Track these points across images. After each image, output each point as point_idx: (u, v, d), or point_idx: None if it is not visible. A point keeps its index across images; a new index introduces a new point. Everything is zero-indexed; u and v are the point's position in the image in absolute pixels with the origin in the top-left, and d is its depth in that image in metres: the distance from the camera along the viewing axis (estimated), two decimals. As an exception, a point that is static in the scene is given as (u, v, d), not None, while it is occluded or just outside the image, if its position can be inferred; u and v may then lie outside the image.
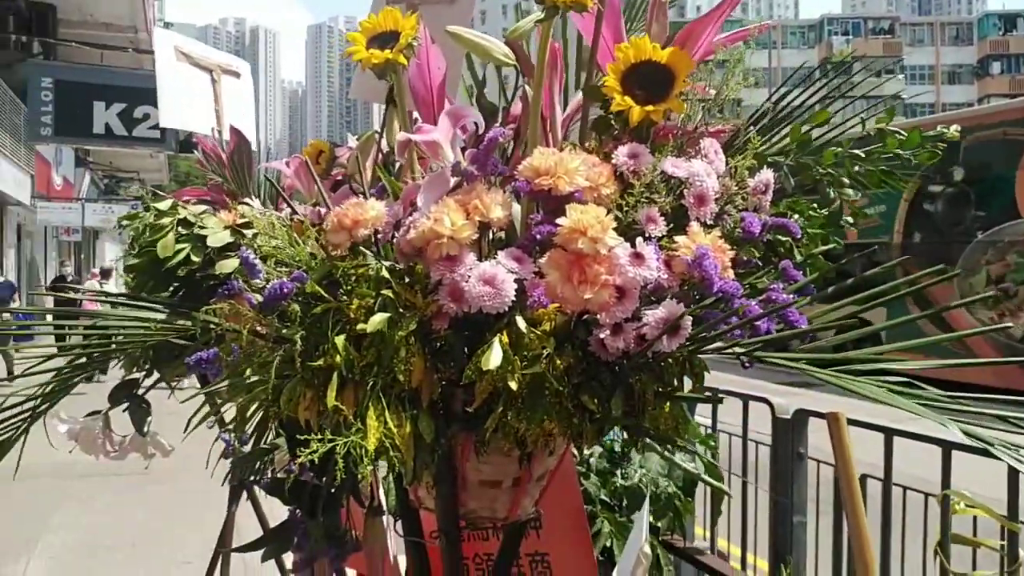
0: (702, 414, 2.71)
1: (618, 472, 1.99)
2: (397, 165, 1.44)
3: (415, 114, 1.37)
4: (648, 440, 1.12)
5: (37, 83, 14.60)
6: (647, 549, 1.25)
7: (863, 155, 1.29)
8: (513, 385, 0.96)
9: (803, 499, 2.50)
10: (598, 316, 0.98)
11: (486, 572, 1.64)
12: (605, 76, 1.19)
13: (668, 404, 1.06)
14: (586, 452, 1.97)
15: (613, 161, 1.12)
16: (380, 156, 1.50)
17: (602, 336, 0.98)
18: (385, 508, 1.44)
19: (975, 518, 1.73)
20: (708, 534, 2.63)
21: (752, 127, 1.35)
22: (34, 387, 1.28)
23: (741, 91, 1.31)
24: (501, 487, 1.20)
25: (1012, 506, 1.85)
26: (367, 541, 1.36)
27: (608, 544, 1.84)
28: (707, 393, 1.15)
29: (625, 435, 1.18)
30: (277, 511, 2.41)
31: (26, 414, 1.29)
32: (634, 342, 0.99)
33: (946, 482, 1.99)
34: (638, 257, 0.97)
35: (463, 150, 1.24)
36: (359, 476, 1.02)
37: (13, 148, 15.47)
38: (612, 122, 1.22)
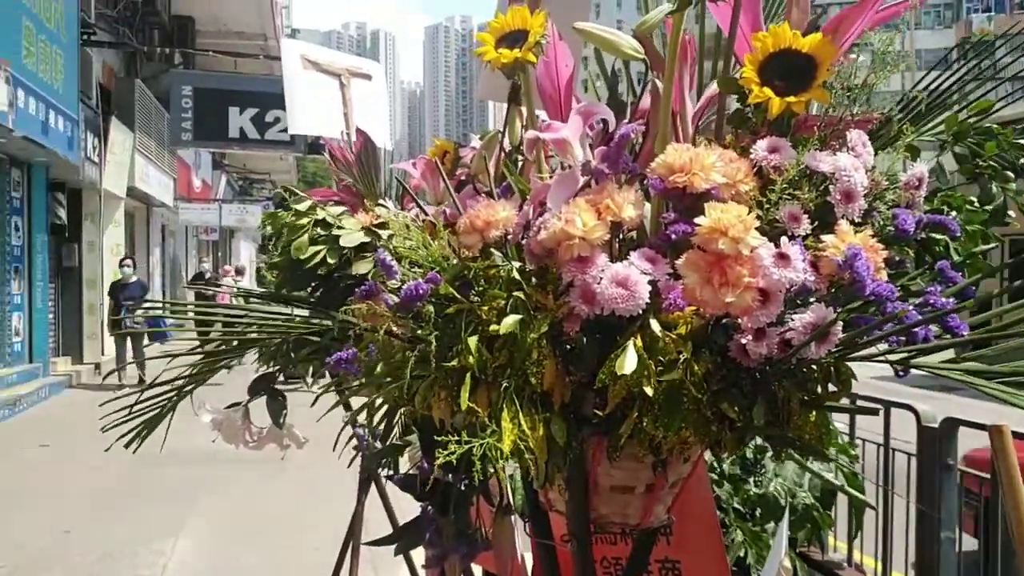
0: (838, 420, 2.58)
1: (750, 480, 1.91)
2: (520, 163, 1.44)
3: (536, 112, 1.36)
4: (792, 452, 1.06)
5: (178, 91, 15.62)
6: (787, 563, 1.19)
7: (1030, 143, 1.18)
8: (649, 391, 0.93)
9: (952, 513, 2.32)
10: (739, 320, 0.94)
11: None
12: (742, 67, 1.14)
13: (814, 413, 1.00)
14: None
15: (751, 156, 1.07)
16: (502, 155, 1.50)
17: (744, 341, 0.94)
18: (514, 508, 1.45)
19: None
20: (843, 546, 2.50)
21: (901, 116, 1.26)
22: (184, 367, 1.37)
23: (874, 77, 1.22)
24: (634, 493, 1.18)
25: None
26: (496, 540, 1.37)
27: (742, 554, 1.77)
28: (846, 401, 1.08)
29: (760, 443, 1.13)
30: (403, 503, 2.47)
31: (174, 392, 1.38)
32: (777, 348, 0.94)
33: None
34: (783, 258, 0.92)
35: (590, 148, 1.22)
36: (490, 476, 1.02)
37: (158, 153, 16.61)
38: (750, 115, 1.17)
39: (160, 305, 1.95)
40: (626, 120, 1.37)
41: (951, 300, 0.99)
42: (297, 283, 1.26)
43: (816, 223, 1.01)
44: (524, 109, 1.51)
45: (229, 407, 2.39)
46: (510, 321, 1.00)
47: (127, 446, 1.39)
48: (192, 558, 5.09)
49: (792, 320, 0.92)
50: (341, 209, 1.30)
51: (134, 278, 12.44)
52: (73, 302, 13.23)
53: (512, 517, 1.44)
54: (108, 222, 14.26)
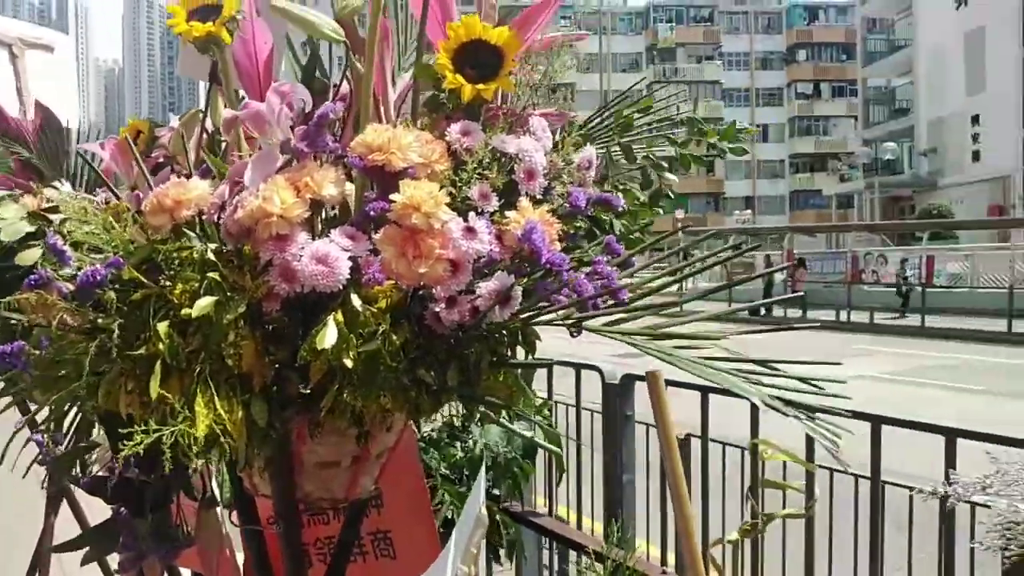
0: (539, 387, 2.81)
1: (458, 445, 2.03)
2: (224, 146, 1.38)
3: (241, 92, 1.32)
4: (485, 410, 1.15)
5: None
6: (483, 512, 1.29)
7: (678, 140, 1.38)
8: (348, 363, 0.96)
9: (632, 459, 2.66)
10: (433, 290, 1.00)
11: (327, 556, 1.63)
12: (437, 55, 1.20)
13: (503, 373, 1.09)
14: (427, 428, 2.00)
15: (446, 138, 1.13)
16: (205, 137, 1.43)
17: (437, 310, 0.99)
18: (219, 500, 1.39)
19: (785, 466, 1.91)
20: (546, 500, 2.75)
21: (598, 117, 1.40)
22: None
23: (573, 75, 1.36)
24: (340, 467, 1.20)
25: (809, 452, 2.07)
26: (200, 535, 1.31)
27: (449, 515, 1.87)
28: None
29: (463, 409, 1.20)
30: (101, 515, 2.25)
31: None
32: (468, 314, 1.01)
33: (755, 434, 2.18)
34: (470, 231, 0.99)
35: (292, 129, 1.21)
36: (189, 468, 0.98)
37: None
38: (444, 100, 1.23)
39: None
40: (329, 102, 1.37)
41: (615, 269, 1.13)
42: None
43: (503, 201, 1.10)
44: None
45: None
46: (204, 303, 0.97)
47: None
48: None
49: (480, 288, 1.00)
50: (2, 194, 1.16)
51: None
52: None
53: (219, 510, 1.39)
54: None
